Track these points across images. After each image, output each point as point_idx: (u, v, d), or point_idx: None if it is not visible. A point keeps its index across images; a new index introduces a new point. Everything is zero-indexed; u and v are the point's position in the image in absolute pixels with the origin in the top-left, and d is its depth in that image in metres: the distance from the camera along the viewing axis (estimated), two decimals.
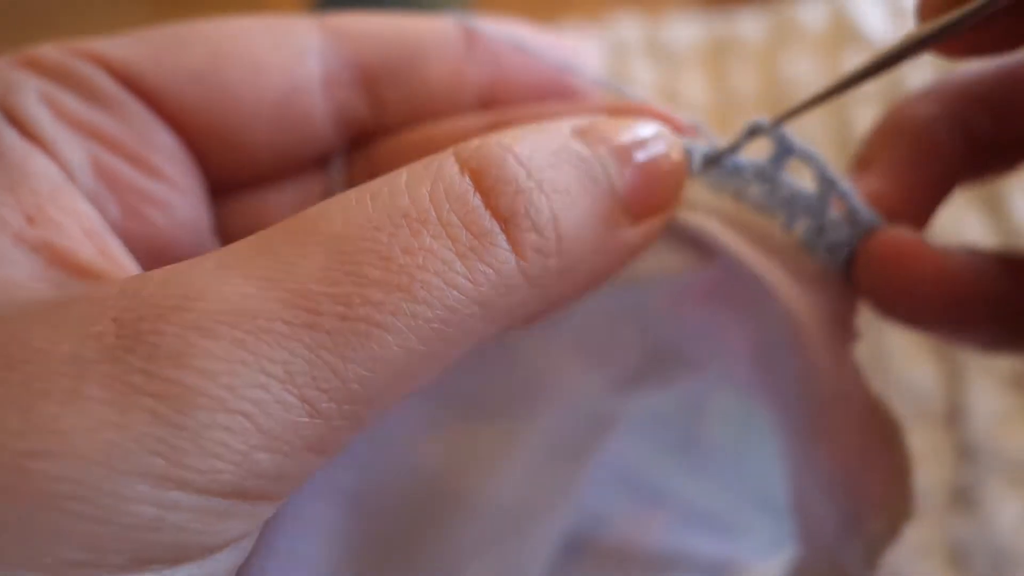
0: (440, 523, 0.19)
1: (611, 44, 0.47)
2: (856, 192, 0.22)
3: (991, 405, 0.34)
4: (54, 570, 0.12)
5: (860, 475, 0.22)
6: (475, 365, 0.18)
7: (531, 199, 0.16)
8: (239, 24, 0.21)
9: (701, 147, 0.21)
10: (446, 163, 0.16)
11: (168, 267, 0.15)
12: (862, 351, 0.23)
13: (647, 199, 0.18)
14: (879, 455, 0.22)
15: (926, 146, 0.22)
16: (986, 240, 0.36)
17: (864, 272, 0.21)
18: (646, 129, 0.19)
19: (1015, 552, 0.32)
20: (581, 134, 0.18)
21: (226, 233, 0.23)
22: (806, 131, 0.40)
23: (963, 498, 0.34)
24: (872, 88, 0.39)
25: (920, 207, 0.22)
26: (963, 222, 0.37)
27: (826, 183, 0.21)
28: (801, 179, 0.22)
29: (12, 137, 0.17)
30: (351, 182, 0.24)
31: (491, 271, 0.15)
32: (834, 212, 0.22)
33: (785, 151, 0.21)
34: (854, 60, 0.42)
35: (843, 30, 0.43)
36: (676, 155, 0.19)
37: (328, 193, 0.24)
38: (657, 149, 0.19)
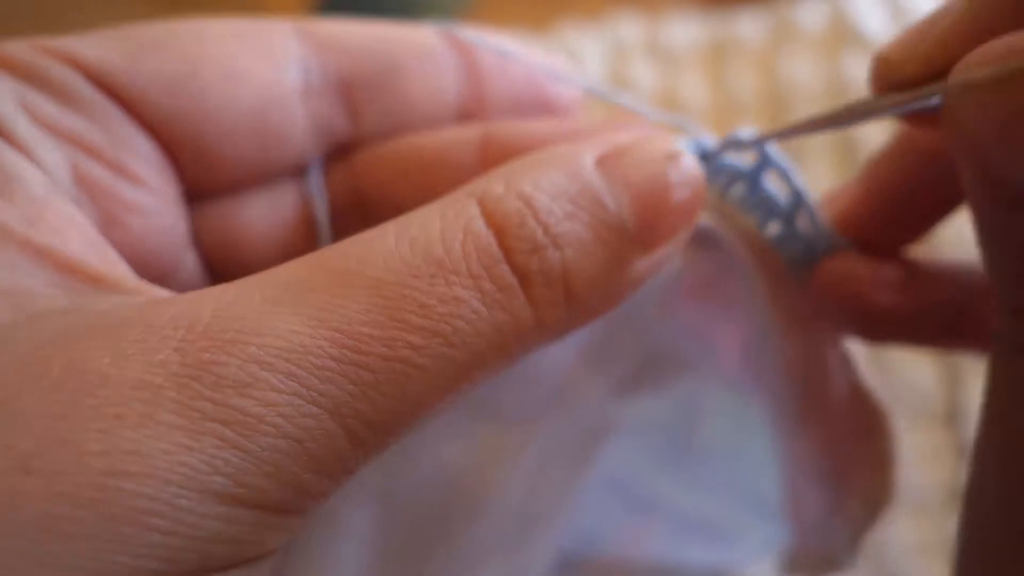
0: (460, 525, 0.20)
1: (611, 44, 0.47)
2: (819, 213, 0.23)
3: None
4: None
5: (843, 460, 0.23)
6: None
7: (545, 256, 0.17)
8: (219, 28, 0.21)
9: (692, 145, 0.22)
10: (474, 214, 0.18)
11: (209, 295, 0.16)
12: (862, 351, 0.23)
13: (660, 230, 0.19)
14: (862, 442, 0.23)
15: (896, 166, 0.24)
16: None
17: (816, 289, 0.23)
18: (661, 160, 0.19)
19: None
20: (602, 164, 0.19)
21: (202, 240, 0.23)
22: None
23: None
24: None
25: (882, 220, 0.24)
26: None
27: (796, 196, 0.23)
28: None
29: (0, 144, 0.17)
30: (330, 191, 0.24)
31: (510, 320, 0.17)
32: (807, 223, 0.23)
33: (764, 162, 0.22)
34: (854, 61, 0.42)
35: (843, 31, 0.44)
36: (693, 183, 0.19)
37: (306, 201, 0.24)
38: (674, 178, 0.19)
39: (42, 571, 0.13)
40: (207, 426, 0.14)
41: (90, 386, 0.14)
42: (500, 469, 0.20)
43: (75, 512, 0.13)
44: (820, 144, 0.40)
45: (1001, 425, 0.18)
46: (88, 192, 0.19)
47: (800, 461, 0.23)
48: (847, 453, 0.23)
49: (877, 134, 0.40)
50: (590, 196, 0.18)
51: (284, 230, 0.24)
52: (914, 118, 0.21)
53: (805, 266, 0.23)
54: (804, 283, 0.23)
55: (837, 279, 0.23)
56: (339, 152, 0.24)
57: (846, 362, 0.24)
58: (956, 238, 0.37)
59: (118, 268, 0.18)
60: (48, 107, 0.18)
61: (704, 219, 0.21)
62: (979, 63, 0.16)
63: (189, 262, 0.23)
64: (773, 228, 0.23)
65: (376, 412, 0.16)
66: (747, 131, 0.21)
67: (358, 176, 0.24)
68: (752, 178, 0.22)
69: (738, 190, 0.22)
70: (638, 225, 0.18)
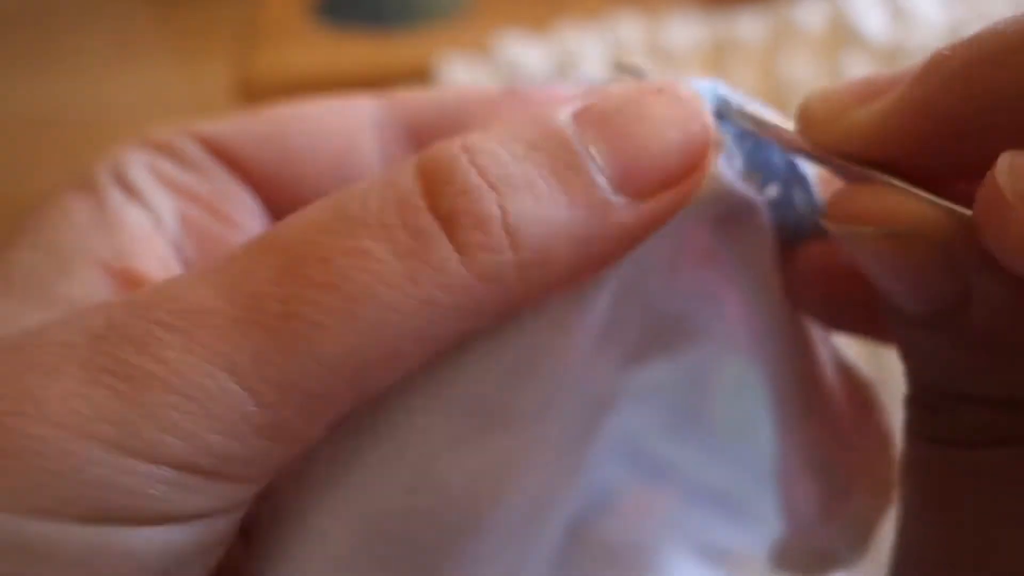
0: (457, 541, 0.19)
1: (611, 44, 0.47)
2: (816, 185, 0.21)
3: None
4: (28, 513, 0.14)
5: (841, 448, 0.22)
6: (490, 369, 0.18)
7: (474, 198, 0.16)
8: (306, 101, 0.24)
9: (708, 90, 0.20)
10: (405, 167, 0.17)
11: (166, 278, 0.17)
12: (862, 351, 0.23)
13: (648, 175, 0.17)
14: (863, 420, 0.22)
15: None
16: None
17: (794, 273, 0.22)
18: (647, 93, 0.17)
19: None
20: (580, 113, 0.17)
21: None
22: None
23: None
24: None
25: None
26: None
27: (791, 166, 0.21)
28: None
29: (116, 194, 0.21)
30: None
31: (431, 269, 0.16)
32: (802, 194, 0.21)
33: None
34: (853, 61, 0.42)
35: (842, 31, 0.44)
36: (692, 125, 0.17)
37: None
38: (661, 113, 0.17)
39: None
40: (102, 378, 0.15)
41: (28, 344, 0.16)
42: (512, 476, 0.19)
43: None
44: None
45: (917, 519, 0.18)
46: (192, 234, 0.22)
47: (795, 448, 0.22)
48: (845, 439, 0.22)
49: None
50: (551, 136, 0.17)
51: None
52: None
53: (788, 245, 0.21)
54: (787, 261, 0.21)
55: (815, 268, 0.21)
56: None
57: (826, 339, 0.23)
58: None
59: None
60: (168, 167, 0.22)
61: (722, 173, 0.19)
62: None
63: None
64: (772, 191, 0.21)
65: (281, 373, 0.15)
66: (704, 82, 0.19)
67: None
68: (755, 138, 0.20)
69: (745, 146, 0.20)
70: (616, 168, 0.17)
